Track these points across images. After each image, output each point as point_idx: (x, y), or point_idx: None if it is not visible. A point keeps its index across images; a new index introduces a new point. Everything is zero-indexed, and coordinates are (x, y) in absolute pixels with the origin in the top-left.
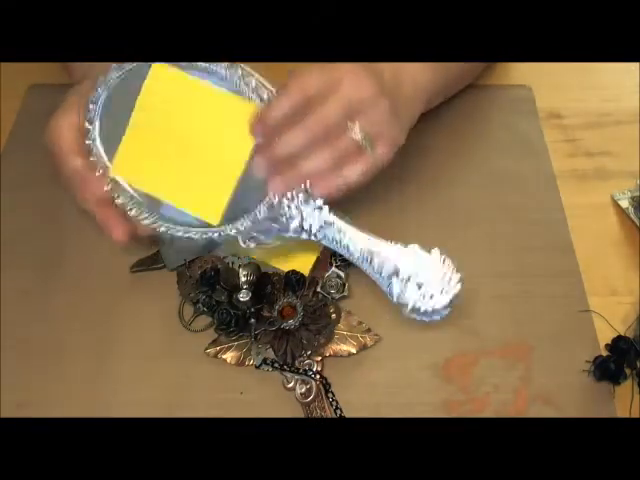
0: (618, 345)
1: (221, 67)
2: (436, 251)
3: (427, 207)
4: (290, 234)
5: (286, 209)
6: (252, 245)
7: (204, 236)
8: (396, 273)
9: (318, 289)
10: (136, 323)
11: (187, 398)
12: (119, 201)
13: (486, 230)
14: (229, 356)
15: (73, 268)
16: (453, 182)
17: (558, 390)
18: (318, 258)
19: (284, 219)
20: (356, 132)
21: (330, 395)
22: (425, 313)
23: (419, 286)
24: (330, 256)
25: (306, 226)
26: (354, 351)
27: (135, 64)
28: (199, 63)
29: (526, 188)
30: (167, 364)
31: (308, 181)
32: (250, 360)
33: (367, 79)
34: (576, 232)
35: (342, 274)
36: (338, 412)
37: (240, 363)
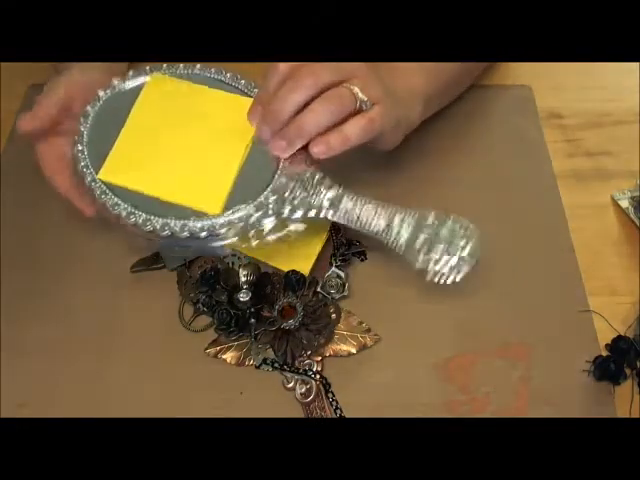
0: (618, 345)
1: (210, 73)
2: (450, 216)
3: (427, 206)
4: (300, 214)
5: (292, 191)
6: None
7: (203, 231)
8: (413, 239)
9: (318, 289)
10: (136, 323)
11: (187, 398)
12: (108, 204)
13: (486, 230)
14: (229, 356)
15: (73, 268)
16: (453, 182)
17: (558, 390)
18: (318, 258)
19: (290, 201)
20: (354, 89)
21: (330, 395)
22: (446, 273)
23: (437, 247)
24: (330, 256)
25: (316, 203)
26: (354, 351)
27: (122, 85)
28: (192, 71)
29: (526, 188)
30: (167, 364)
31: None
32: (250, 360)
33: (356, 63)
34: (576, 232)
35: (342, 274)
36: (338, 412)
37: (240, 363)
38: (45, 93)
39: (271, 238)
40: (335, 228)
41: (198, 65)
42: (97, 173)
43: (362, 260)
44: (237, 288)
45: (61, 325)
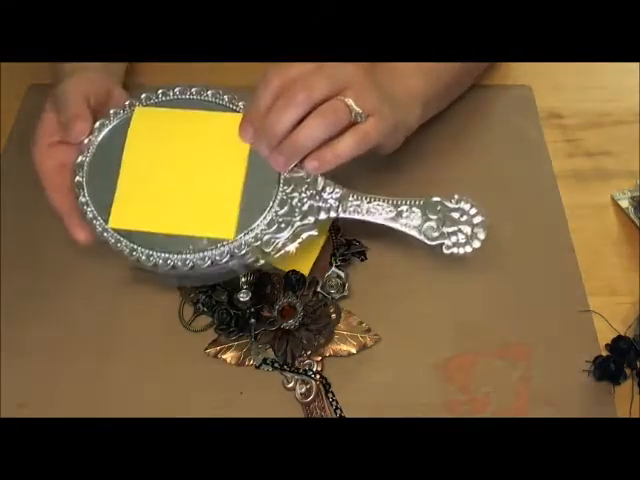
0: (618, 345)
1: (192, 94)
2: (454, 196)
3: None
4: (310, 219)
5: (299, 199)
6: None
7: (223, 257)
8: (424, 221)
9: (318, 289)
10: (136, 323)
11: (187, 398)
12: (123, 251)
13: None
14: (229, 356)
15: (73, 268)
16: (453, 182)
17: (558, 390)
18: (318, 258)
19: (299, 209)
20: (349, 101)
21: (330, 395)
22: (461, 245)
23: (448, 226)
24: (330, 256)
25: (323, 205)
26: (354, 351)
27: (114, 121)
28: (173, 96)
29: (526, 188)
30: (167, 364)
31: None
32: (250, 360)
33: (351, 64)
34: (576, 232)
35: (342, 274)
36: (338, 412)
37: (240, 363)
38: (65, 102)
39: (290, 248)
40: (335, 228)
41: (177, 89)
42: (105, 221)
43: (362, 260)
44: (237, 288)
45: (61, 325)
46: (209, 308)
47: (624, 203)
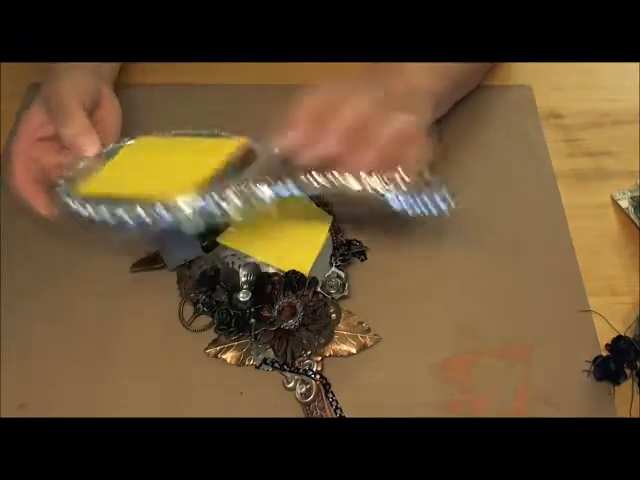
0: (618, 345)
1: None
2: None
3: None
4: (286, 191)
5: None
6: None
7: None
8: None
9: (318, 289)
10: (136, 323)
11: (187, 398)
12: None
13: (486, 230)
14: (229, 356)
15: (73, 268)
16: (452, 181)
17: (558, 390)
18: (318, 258)
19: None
20: (425, 173)
21: (330, 395)
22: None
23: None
24: (330, 256)
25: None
26: (354, 351)
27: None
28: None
29: (526, 188)
30: (167, 364)
31: None
32: (250, 360)
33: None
34: (576, 232)
35: (342, 274)
36: (338, 412)
37: (240, 363)
38: (62, 109)
39: (238, 202)
40: (335, 228)
41: (173, 132)
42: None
43: (362, 260)
44: (237, 288)
45: (61, 325)
46: (209, 308)
47: (624, 203)
